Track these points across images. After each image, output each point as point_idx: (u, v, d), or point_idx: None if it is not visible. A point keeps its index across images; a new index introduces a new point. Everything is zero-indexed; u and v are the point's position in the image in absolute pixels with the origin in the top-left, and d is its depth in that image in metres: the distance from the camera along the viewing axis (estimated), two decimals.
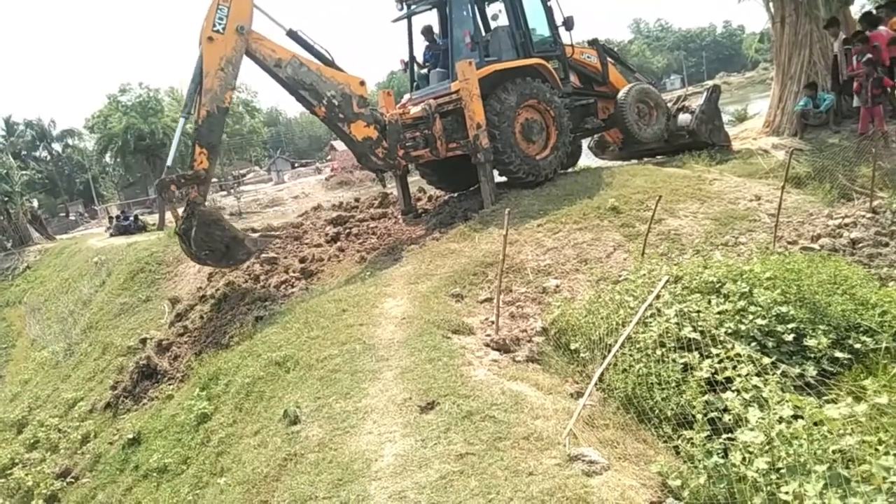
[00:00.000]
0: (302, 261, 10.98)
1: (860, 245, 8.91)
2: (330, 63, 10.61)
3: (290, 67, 10.00)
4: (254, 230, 12.92)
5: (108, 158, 51.13)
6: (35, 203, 38.02)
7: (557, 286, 8.16)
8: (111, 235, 24.55)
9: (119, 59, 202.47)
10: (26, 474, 8.92)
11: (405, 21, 12.43)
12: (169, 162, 9.61)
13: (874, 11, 14.56)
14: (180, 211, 9.42)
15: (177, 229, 9.35)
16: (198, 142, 9.32)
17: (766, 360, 4.94)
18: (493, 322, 7.15)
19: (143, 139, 38.47)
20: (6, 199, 31.58)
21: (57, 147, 76.93)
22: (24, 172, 41.83)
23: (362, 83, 10.67)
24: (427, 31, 12.43)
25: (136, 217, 27.15)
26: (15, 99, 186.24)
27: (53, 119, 77.91)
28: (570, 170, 13.51)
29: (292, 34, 10.38)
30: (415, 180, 14.59)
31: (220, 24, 9.27)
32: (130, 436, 7.93)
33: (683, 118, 13.61)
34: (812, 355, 5.63)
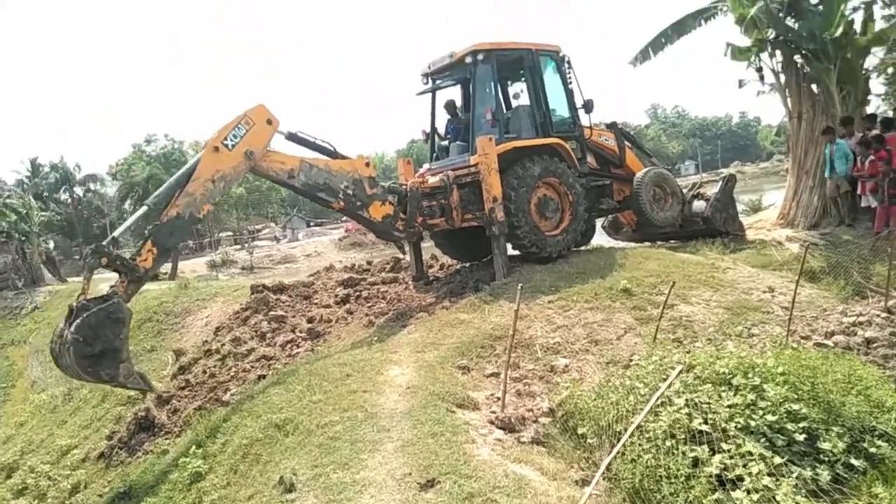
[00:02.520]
0: (310, 321, 10.95)
1: (875, 345, 8.78)
2: (333, 154, 10.51)
3: (303, 174, 9.80)
4: (265, 286, 12.93)
5: (127, 205, 51.96)
6: (51, 244, 38.45)
7: (566, 366, 8.05)
8: None
9: (145, 109, 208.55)
10: None
11: (429, 94, 12.79)
12: (116, 234, 8.83)
13: (892, 113, 14.80)
14: (95, 286, 8.22)
15: (76, 302, 7.71)
16: (152, 238, 8.34)
17: (777, 460, 4.81)
18: (499, 398, 7.02)
19: None
20: (23, 238, 31.94)
21: (78, 191, 78.26)
22: (43, 213, 42.56)
23: (367, 164, 10.65)
24: (450, 106, 12.75)
25: None
26: (41, 141, 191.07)
27: (78, 164, 79.52)
28: (583, 248, 13.56)
29: (292, 137, 10.13)
30: (427, 247, 14.67)
31: (231, 140, 8.98)
32: (122, 489, 7.74)
33: (698, 205, 13.73)
34: (826, 458, 5.47)
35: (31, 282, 30.84)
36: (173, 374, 11.15)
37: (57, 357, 7.93)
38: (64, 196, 77.10)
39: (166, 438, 8.95)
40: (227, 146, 8.95)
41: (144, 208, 8.77)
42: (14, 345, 22.78)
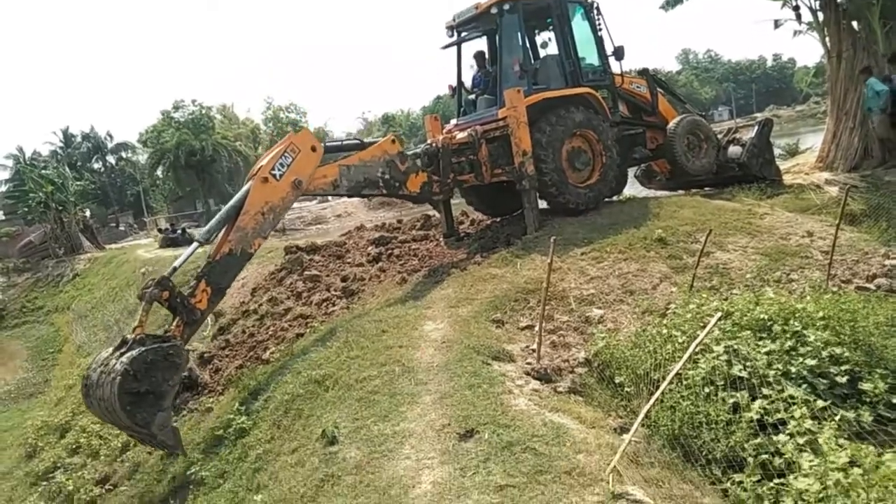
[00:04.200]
0: (344, 280, 11.06)
1: None
2: (362, 145, 10.45)
3: (344, 178, 9.78)
4: (298, 248, 13.06)
5: (159, 172, 52.64)
6: (87, 213, 39.25)
7: (601, 316, 8.03)
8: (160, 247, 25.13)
9: (174, 75, 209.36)
10: (67, 479, 9.09)
11: (454, 48, 12.56)
12: (177, 264, 8.11)
13: None
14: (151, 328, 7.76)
15: (133, 335, 7.28)
16: (205, 278, 8.14)
17: (820, 403, 4.77)
18: (534, 350, 7.05)
19: (194, 155, 39.58)
20: (60, 207, 32.66)
21: (111, 159, 79.47)
22: (78, 183, 43.31)
23: (393, 140, 10.58)
24: (479, 56, 12.52)
25: (183, 230, 27.78)
26: (73, 110, 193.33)
27: (110, 132, 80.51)
28: (615, 198, 13.38)
29: (325, 149, 9.82)
30: (457, 203, 14.61)
31: (279, 170, 8.82)
32: None
33: (734, 150, 13.38)
34: (868, 400, 5.41)
35: (70, 250, 31.64)
36: (213, 334, 11.41)
37: (92, 387, 7.26)
38: (97, 165, 78.41)
39: (210, 397, 9.20)
40: (275, 176, 8.78)
41: (195, 244, 8.42)
42: (58, 311, 23.53)
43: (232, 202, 8.78)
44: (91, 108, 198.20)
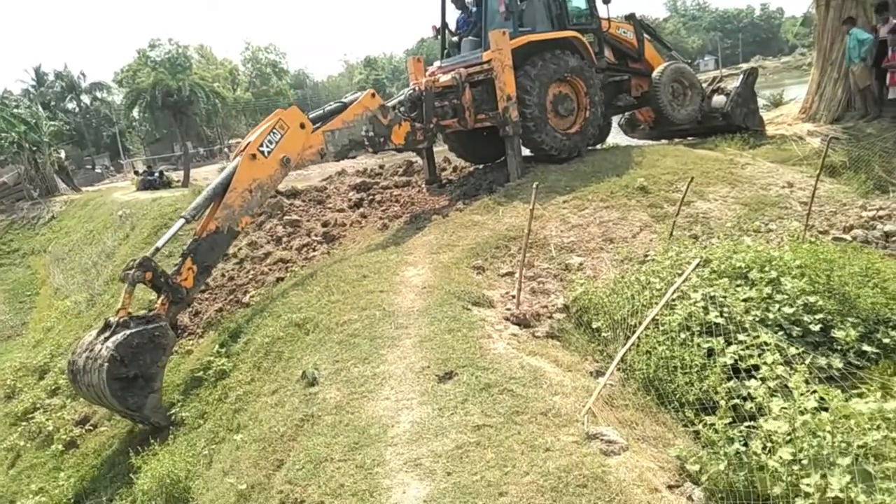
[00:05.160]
0: (324, 225, 10.98)
1: (894, 238, 8.70)
2: (344, 107, 10.14)
3: (330, 145, 9.59)
4: (278, 192, 12.90)
5: (135, 113, 51.37)
6: (62, 154, 38.26)
7: (581, 264, 8.07)
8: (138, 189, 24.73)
9: (150, 12, 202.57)
10: (47, 419, 9.09)
11: None
12: (160, 244, 8.06)
13: None
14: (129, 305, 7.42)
15: (116, 318, 7.18)
16: (191, 256, 8.03)
17: (792, 350, 4.87)
18: (513, 296, 7.10)
19: (171, 95, 38.62)
20: (34, 148, 31.82)
21: (85, 99, 77.44)
22: (52, 123, 42.23)
23: (373, 94, 10.31)
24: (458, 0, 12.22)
25: (161, 173, 27.29)
26: (44, 47, 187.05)
27: (83, 71, 78.33)
28: (598, 146, 13.31)
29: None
30: (440, 150, 14.47)
31: (268, 146, 8.68)
32: None
33: (718, 100, 13.31)
34: (839, 347, 5.54)
35: (45, 192, 30.99)
36: None
37: (79, 372, 7.20)
38: (71, 105, 76.43)
39: (189, 339, 9.19)
40: (263, 153, 8.63)
41: (182, 220, 8.24)
42: (34, 254, 23.20)
43: (219, 179, 8.66)
44: (64, 45, 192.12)
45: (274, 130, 8.81)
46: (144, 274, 7.51)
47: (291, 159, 8.96)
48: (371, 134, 10.02)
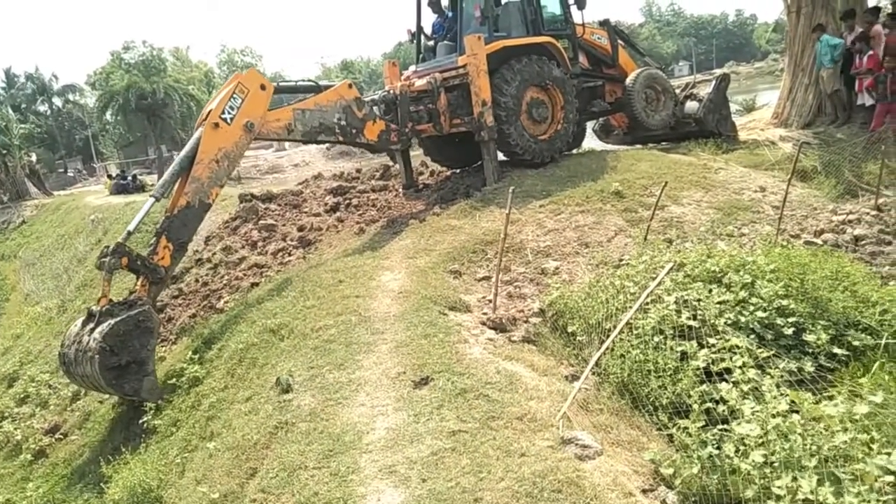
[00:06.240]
0: (300, 229, 10.92)
1: (863, 242, 8.85)
2: (318, 88, 10.10)
3: (299, 122, 9.42)
4: (253, 196, 12.80)
5: (108, 116, 50.73)
6: (33, 157, 37.66)
7: (557, 268, 8.10)
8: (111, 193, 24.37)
9: (124, 15, 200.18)
10: (15, 428, 8.92)
11: None
12: (131, 227, 7.92)
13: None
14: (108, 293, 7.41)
15: (99, 307, 7.23)
16: (165, 234, 7.95)
17: (764, 353, 4.92)
18: (490, 301, 7.10)
19: (145, 98, 38.20)
20: (4, 152, 31.25)
21: (57, 102, 76.13)
22: (22, 126, 41.50)
23: (350, 85, 10.24)
24: (434, 4, 12.22)
25: (134, 177, 26.93)
26: (15, 49, 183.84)
27: (55, 73, 77.11)
28: (574, 151, 13.39)
29: (277, 89, 9.65)
30: (416, 154, 14.46)
31: (229, 113, 8.48)
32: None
33: (691, 106, 13.49)
34: (810, 350, 5.61)
35: (16, 196, 30.49)
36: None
37: (71, 364, 7.29)
38: (42, 107, 75.09)
39: (162, 346, 9.06)
40: (225, 120, 8.44)
41: (152, 200, 8.17)
42: (4, 259, 22.77)
43: (183, 152, 8.48)
44: (35, 47, 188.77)
45: (234, 96, 8.61)
46: (120, 260, 7.53)
47: (255, 123, 8.77)
48: (343, 123, 9.90)
